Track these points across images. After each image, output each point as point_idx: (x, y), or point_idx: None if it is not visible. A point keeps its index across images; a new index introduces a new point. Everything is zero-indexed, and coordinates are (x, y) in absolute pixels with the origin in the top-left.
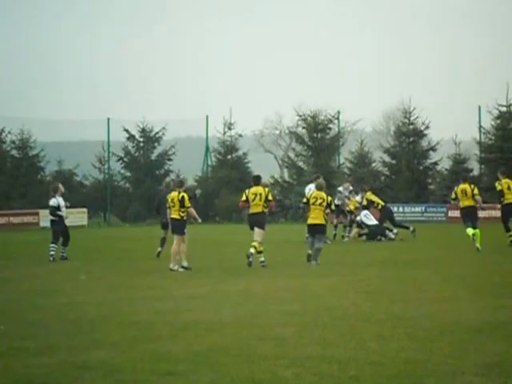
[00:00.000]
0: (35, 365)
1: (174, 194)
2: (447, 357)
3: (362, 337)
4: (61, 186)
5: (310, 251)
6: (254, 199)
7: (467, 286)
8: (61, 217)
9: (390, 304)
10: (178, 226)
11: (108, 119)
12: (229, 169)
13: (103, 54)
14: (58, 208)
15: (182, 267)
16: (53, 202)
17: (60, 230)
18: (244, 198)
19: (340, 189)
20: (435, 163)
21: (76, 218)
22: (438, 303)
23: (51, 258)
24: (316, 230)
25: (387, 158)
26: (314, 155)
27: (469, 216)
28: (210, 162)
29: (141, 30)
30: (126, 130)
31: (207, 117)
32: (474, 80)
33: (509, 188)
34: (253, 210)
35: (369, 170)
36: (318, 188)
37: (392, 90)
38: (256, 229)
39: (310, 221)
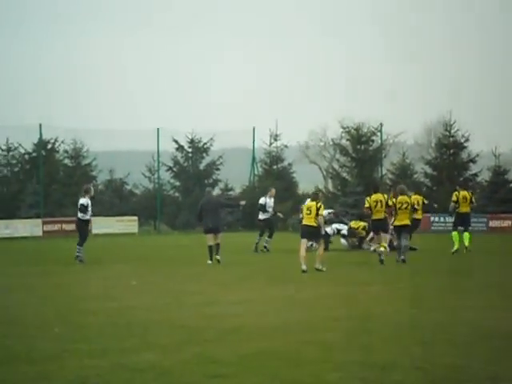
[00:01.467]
0: (88, 366)
1: (312, 203)
2: (486, 363)
3: (405, 343)
4: (92, 188)
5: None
6: (375, 206)
7: (505, 295)
8: (88, 219)
9: (431, 311)
10: (315, 233)
11: (158, 130)
12: (274, 179)
13: (154, 67)
14: (87, 207)
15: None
16: (83, 200)
17: (86, 231)
18: (367, 205)
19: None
20: (475, 175)
21: (127, 225)
22: (477, 311)
23: (78, 260)
24: (402, 230)
25: (429, 170)
26: (357, 166)
27: (465, 221)
28: (256, 172)
29: (192, 41)
30: (176, 141)
31: (254, 128)
32: None
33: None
34: (376, 216)
35: (411, 180)
36: (402, 193)
37: (433, 103)
38: (382, 233)
39: (397, 222)
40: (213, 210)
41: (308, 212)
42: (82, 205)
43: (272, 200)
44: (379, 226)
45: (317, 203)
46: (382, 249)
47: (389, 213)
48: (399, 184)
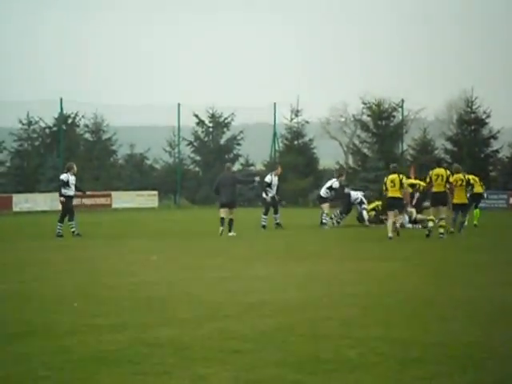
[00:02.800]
0: (108, 341)
1: (395, 176)
2: (507, 340)
3: (424, 319)
4: (75, 166)
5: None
6: (436, 179)
7: None
8: (72, 195)
9: (451, 287)
10: (399, 204)
11: (178, 105)
12: (295, 154)
13: (176, 43)
14: (67, 183)
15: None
16: (63, 176)
17: (69, 207)
18: (428, 179)
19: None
20: (496, 151)
21: (147, 200)
22: (499, 287)
23: (58, 235)
24: (459, 208)
25: (449, 146)
26: (378, 142)
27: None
28: (277, 148)
29: (213, 17)
30: (196, 116)
31: (275, 104)
32: None
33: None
34: (436, 188)
35: (431, 156)
36: (457, 171)
37: (454, 79)
38: (440, 206)
39: (456, 201)
40: (228, 186)
41: (392, 185)
42: (62, 180)
43: (277, 178)
44: (439, 199)
45: (399, 175)
46: (430, 224)
47: (450, 189)
48: (419, 160)
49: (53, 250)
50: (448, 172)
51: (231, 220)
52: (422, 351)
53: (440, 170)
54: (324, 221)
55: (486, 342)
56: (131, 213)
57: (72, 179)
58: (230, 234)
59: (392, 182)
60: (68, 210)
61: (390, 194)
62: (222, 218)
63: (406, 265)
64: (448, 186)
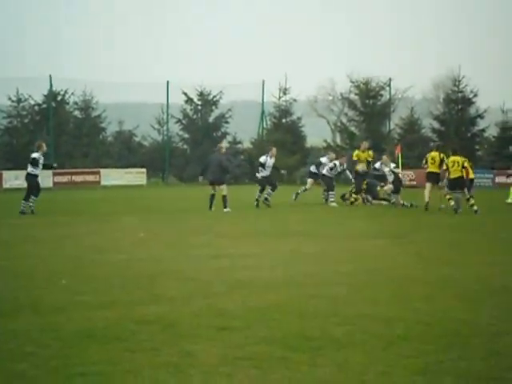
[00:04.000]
0: (96, 318)
1: (436, 153)
2: (494, 318)
3: (411, 297)
4: (44, 145)
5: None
6: (452, 166)
7: None
8: (38, 173)
9: (438, 266)
10: (438, 178)
11: (167, 82)
12: (283, 132)
13: (163, 20)
14: (38, 161)
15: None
16: (35, 154)
17: (34, 184)
18: (424, 161)
19: (324, 160)
20: (483, 130)
21: (135, 177)
22: (486, 266)
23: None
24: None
25: (436, 125)
26: (365, 120)
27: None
28: (265, 126)
29: None
30: (185, 93)
31: (263, 82)
32: None
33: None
34: (453, 175)
35: (418, 135)
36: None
37: (442, 58)
38: (459, 191)
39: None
40: (215, 165)
41: (432, 161)
42: (33, 159)
43: (273, 160)
44: (457, 184)
45: (439, 154)
46: (452, 202)
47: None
48: (405, 138)
49: (41, 227)
50: (463, 158)
51: (224, 196)
52: (408, 329)
53: (456, 158)
54: (332, 198)
55: (472, 320)
56: (119, 190)
57: (42, 159)
58: (225, 210)
59: (432, 159)
60: (34, 188)
61: (429, 170)
62: (212, 195)
63: (394, 243)
64: (464, 171)
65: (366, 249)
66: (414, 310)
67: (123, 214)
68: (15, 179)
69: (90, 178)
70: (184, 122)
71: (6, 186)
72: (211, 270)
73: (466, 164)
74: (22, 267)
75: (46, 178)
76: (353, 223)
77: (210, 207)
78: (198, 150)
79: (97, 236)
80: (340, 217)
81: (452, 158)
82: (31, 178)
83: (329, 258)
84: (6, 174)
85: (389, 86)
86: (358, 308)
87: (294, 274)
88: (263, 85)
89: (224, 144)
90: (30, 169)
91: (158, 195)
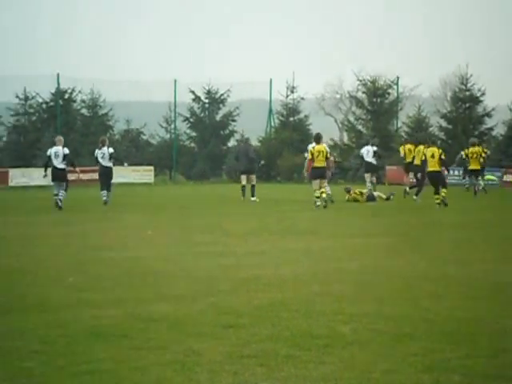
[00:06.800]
0: (102, 316)
1: (477, 149)
2: (500, 316)
3: (416, 295)
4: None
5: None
6: (472, 157)
7: None
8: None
9: (443, 264)
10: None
11: (175, 81)
12: (291, 131)
13: (171, 18)
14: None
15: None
16: (111, 150)
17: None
18: (464, 155)
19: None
20: (490, 129)
21: (143, 175)
22: (491, 264)
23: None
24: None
25: (444, 123)
26: (373, 119)
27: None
28: (272, 124)
29: None
30: (192, 92)
31: (271, 80)
32: None
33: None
34: (473, 166)
35: (426, 134)
36: (473, 145)
37: (449, 56)
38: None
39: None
40: (246, 155)
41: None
42: (67, 155)
43: None
44: (477, 173)
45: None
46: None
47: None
48: (413, 137)
49: (48, 225)
50: (481, 149)
51: (253, 186)
52: (414, 327)
53: (475, 149)
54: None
55: (478, 317)
56: (127, 188)
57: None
58: (253, 198)
59: (473, 153)
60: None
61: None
62: (243, 186)
63: (399, 241)
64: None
65: (371, 247)
66: (420, 308)
67: (130, 211)
68: (22, 177)
69: (86, 176)
70: (191, 120)
71: (12, 183)
72: (217, 268)
73: (443, 156)
74: (28, 265)
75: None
76: (358, 221)
77: (244, 195)
78: (205, 148)
79: (104, 234)
80: (345, 215)
81: (471, 150)
82: (111, 171)
83: (334, 255)
84: (12, 171)
85: (396, 84)
86: (363, 306)
87: (300, 271)
88: (271, 83)
89: (247, 137)
90: (110, 163)
91: (166, 193)
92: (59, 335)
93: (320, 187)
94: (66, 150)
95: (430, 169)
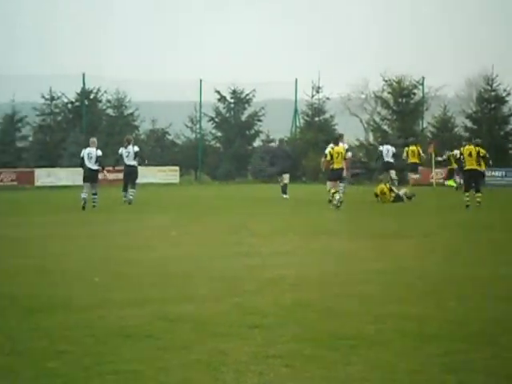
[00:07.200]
0: (128, 316)
1: (471, 147)
2: None
3: (441, 296)
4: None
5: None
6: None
7: None
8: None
9: (468, 265)
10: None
11: (200, 81)
12: (316, 131)
13: (197, 18)
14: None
15: None
16: (136, 148)
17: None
18: (459, 156)
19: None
20: None
21: (168, 175)
22: None
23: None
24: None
25: (469, 124)
26: (398, 119)
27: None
28: (298, 124)
29: None
30: (218, 92)
31: (296, 80)
32: None
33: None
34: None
35: (451, 134)
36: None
37: (475, 56)
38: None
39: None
40: (281, 157)
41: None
42: (136, 152)
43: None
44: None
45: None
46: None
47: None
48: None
49: (73, 225)
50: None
51: (285, 185)
52: (438, 328)
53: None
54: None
55: (502, 318)
56: (152, 188)
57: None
58: (285, 196)
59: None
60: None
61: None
62: (285, 185)
63: (423, 242)
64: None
65: (395, 247)
66: (445, 308)
67: (155, 212)
68: (47, 177)
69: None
70: (217, 120)
71: (37, 183)
72: (242, 267)
73: (481, 154)
74: (54, 265)
75: (77, 176)
76: (383, 222)
77: (286, 193)
78: (230, 148)
79: (129, 234)
80: (370, 215)
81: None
82: (136, 170)
83: (359, 256)
84: (38, 171)
85: (422, 84)
86: (388, 307)
87: (325, 272)
88: (296, 83)
89: (282, 138)
90: (135, 162)
91: (191, 193)
92: (85, 335)
93: (335, 187)
94: (99, 152)
95: (467, 167)
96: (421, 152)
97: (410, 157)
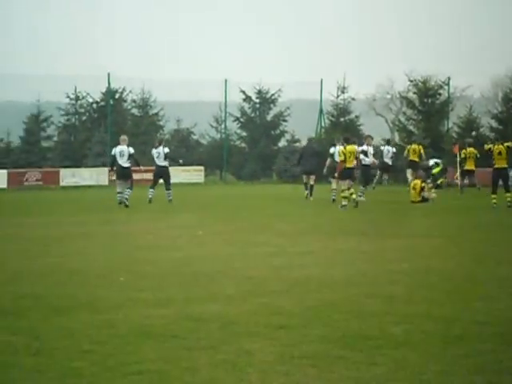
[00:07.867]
0: (153, 316)
1: (500, 146)
2: None
3: (467, 297)
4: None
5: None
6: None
7: None
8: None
9: (495, 266)
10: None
11: (225, 80)
12: (341, 131)
13: (222, 18)
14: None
15: None
16: (166, 149)
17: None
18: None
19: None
20: None
21: (193, 175)
22: None
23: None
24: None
25: (494, 124)
26: (423, 119)
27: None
28: (323, 124)
29: None
30: (243, 92)
31: (321, 80)
32: None
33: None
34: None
35: (477, 133)
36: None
37: (501, 57)
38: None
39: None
40: (310, 156)
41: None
42: (167, 153)
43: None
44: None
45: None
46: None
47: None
48: (465, 138)
49: (98, 225)
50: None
51: (311, 186)
52: (464, 329)
53: (471, 149)
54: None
55: None
56: (177, 188)
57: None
58: (311, 198)
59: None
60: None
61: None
62: (306, 183)
63: (449, 242)
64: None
65: (421, 248)
66: (471, 309)
67: (181, 211)
68: (72, 177)
69: (148, 175)
70: (242, 120)
71: (62, 183)
72: (268, 267)
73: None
74: (78, 264)
75: (101, 176)
76: (408, 221)
77: (311, 194)
78: (256, 148)
79: (154, 233)
80: (396, 215)
81: (497, 148)
82: (167, 170)
83: (385, 256)
84: (63, 171)
85: (447, 84)
86: (414, 307)
87: (351, 272)
88: (321, 83)
89: (311, 136)
90: (165, 162)
91: (216, 193)
92: (110, 335)
93: (348, 188)
94: (132, 150)
95: (497, 166)
96: (422, 152)
97: (410, 154)
